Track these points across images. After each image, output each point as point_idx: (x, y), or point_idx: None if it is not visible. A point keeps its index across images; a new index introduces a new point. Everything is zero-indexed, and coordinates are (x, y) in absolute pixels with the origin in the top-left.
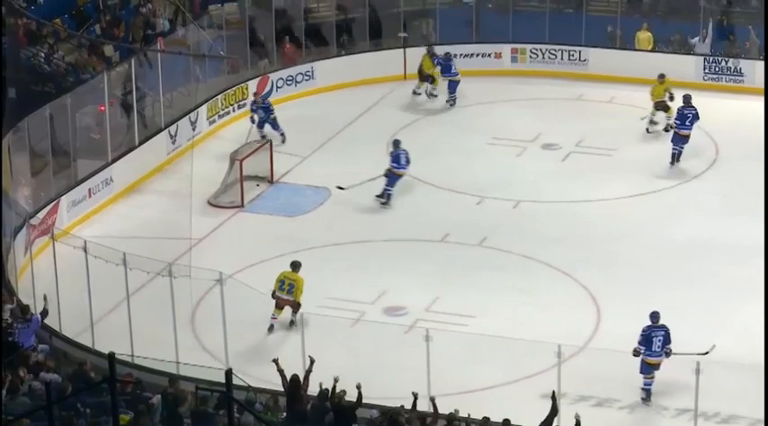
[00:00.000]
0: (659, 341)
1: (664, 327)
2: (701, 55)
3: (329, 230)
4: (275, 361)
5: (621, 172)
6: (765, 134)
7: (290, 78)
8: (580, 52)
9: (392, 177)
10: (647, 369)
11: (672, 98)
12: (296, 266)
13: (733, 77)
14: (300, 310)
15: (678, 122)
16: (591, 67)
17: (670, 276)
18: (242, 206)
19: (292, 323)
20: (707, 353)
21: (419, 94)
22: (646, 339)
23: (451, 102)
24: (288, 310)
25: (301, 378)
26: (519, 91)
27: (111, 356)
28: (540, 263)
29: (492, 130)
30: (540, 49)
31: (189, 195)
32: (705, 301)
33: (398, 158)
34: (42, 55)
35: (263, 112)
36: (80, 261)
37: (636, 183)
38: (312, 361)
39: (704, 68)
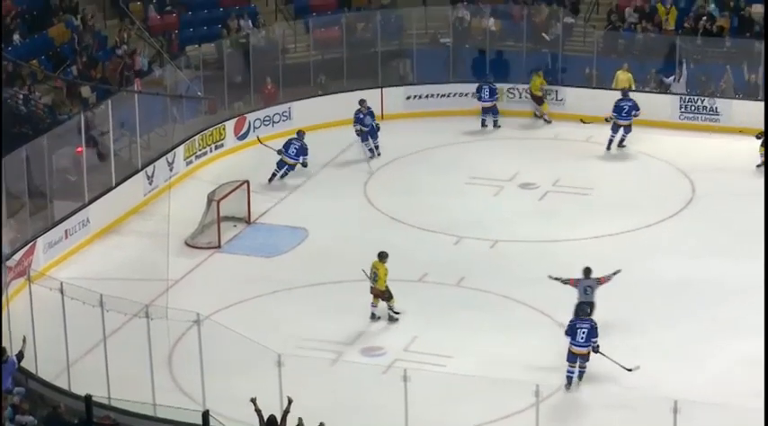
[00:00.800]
0: (583, 333)
1: (590, 321)
2: (677, 94)
3: (306, 270)
4: (253, 401)
5: (599, 211)
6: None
7: (268, 118)
8: (557, 91)
9: (280, 163)
10: (572, 358)
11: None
12: (382, 256)
13: (709, 116)
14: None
15: (615, 114)
16: (567, 107)
17: (648, 316)
18: (219, 246)
19: (391, 318)
20: (631, 370)
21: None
22: (571, 329)
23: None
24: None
25: (279, 419)
26: (496, 130)
27: (87, 398)
28: (517, 303)
29: (469, 170)
30: (518, 89)
31: (166, 236)
32: (683, 341)
33: (288, 146)
34: (21, 96)
35: (371, 118)
36: (56, 302)
37: (613, 223)
38: (290, 402)
39: (680, 108)
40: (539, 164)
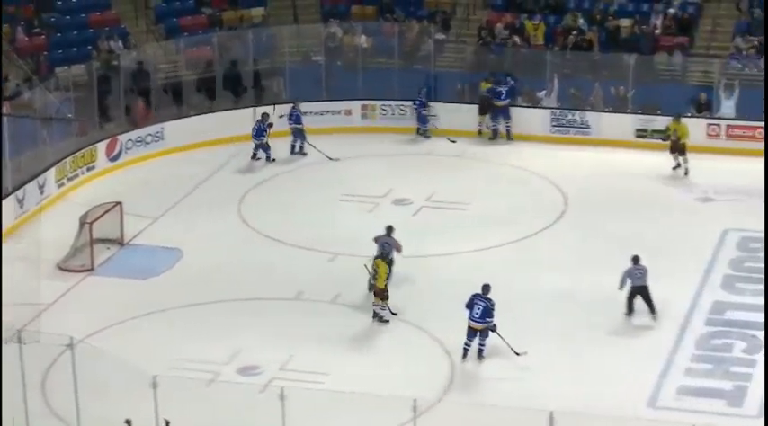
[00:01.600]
0: (479, 309)
1: (488, 300)
2: (548, 108)
3: (182, 291)
4: (128, 422)
5: (473, 225)
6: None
7: (140, 139)
8: (429, 108)
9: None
10: (470, 334)
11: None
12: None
13: (580, 130)
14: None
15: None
16: (441, 123)
17: (524, 328)
18: (92, 269)
19: (377, 316)
20: (519, 355)
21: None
22: (468, 304)
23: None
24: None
25: None
26: (369, 147)
27: None
28: (394, 319)
29: (343, 187)
30: (390, 105)
31: (38, 260)
32: (560, 351)
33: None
34: None
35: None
36: None
37: (488, 236)
38: (167, 423)
39: (551, 121)
40: (412, 179)
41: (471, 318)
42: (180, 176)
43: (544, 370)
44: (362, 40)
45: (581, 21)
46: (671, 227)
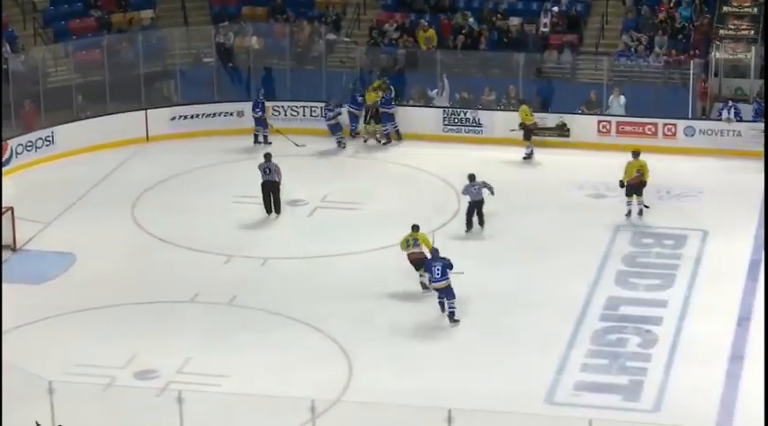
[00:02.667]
0: (438, 269)
1: (443, 259)
2: (440, 107)
3: (75, 295)
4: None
5: (368, 225)
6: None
7: (30, 144)
8: (322, 108)
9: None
10: (439, 294)
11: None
12: (416, 227)
13: (472, 128)
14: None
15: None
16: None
17: (422, 326)
18: None
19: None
20: (459, 274)
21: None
22: (426, 268)
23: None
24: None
25: None
26: (262, 148)
27: None
28: (290, 319)
29: (237, 188)
30: (282, 106)
31: None
32: (456, 349)
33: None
34: None
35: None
36: None
37: (383, 236)
38: None
39: (443, 120)
40: (306, 180)
41: (433, 280)
42: (72, 180)
43: (441, 368)
44: (253, 42)
45: (471, 20)
46: (564, 224)
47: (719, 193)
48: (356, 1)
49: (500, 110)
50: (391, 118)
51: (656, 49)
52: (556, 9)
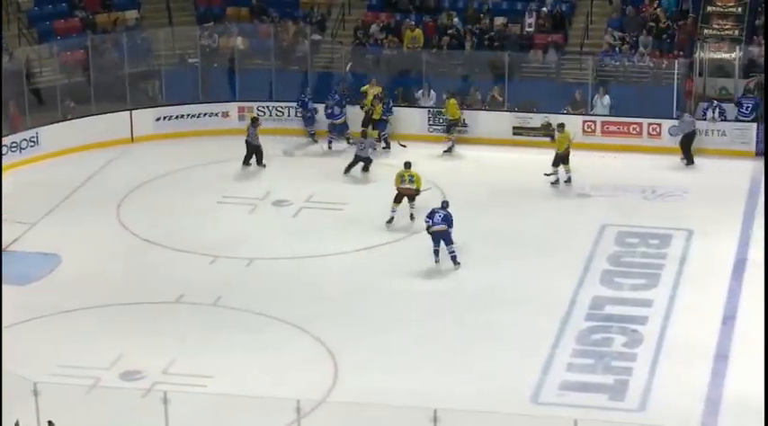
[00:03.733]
0: (439, 216)
1: (447, 211)
2: (425, 107)
3: (61, 297)
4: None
5: (353, 225)
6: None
7: (15, 145)
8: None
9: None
10: (434, 239)
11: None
12: (408, 165)
13: (458, 128)
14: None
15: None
16: (317, 123)
17: (408, 326)
18: None
19: (412, 216)
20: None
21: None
22: (429, 215)
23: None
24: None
25: None
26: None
27: None
28: (275, 320)
29: (222, 189)
30: (268, 107)
31: None
32: (442, 349)
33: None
34: None
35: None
36: None
37: (367, 236)
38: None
39: (428, 120)
40: (291, 180)
41: (434, 224)
42: (56, 181)
43: (426, 369)
44: (238, 42)
45: (456, 20)
46: (549, 224)
47: (704, 193)
48: (341, 1)
49: (485, 110)
50: (386, 125)
51: (641, 49)
52: (545, 9)
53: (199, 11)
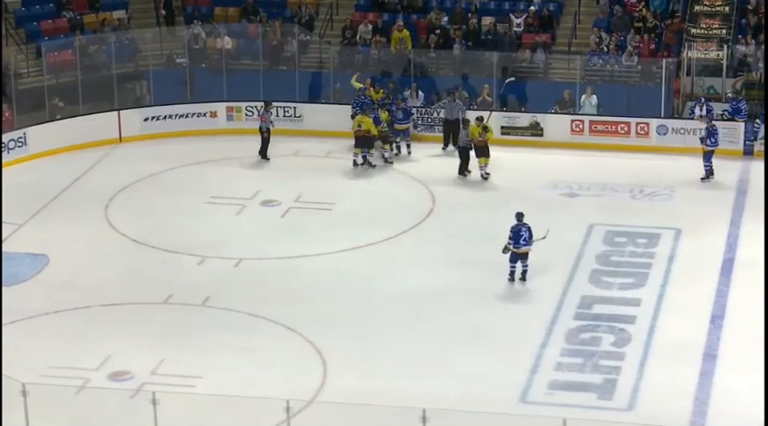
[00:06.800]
0: (525, 233)
1: (527, 224)
2: (414, 107)
3: (48, 297)
4: None
5: (341, 225)
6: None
7: (2, 145)
8: (295, 108)
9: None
10: (513, 258)
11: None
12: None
13: None
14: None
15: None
16: (306, 123)
17: (395, 327)
18: None
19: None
20: (544, 237)
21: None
22: (515, 234)
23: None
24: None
25: None
26: (236, 149)
27: None
28: (264, 320)
29: (210, 189)
30: (256, 107)
31: None
32: (431, 349)
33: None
34: None
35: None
36: None
37: (356, 236)
38: None
39: (417, 120)
40: (280, 180)
41: (523, 244)
42: (44, 182)
43: (416, 368)
44: (226, 42)
45: (444, 19)
46: (538, 223)
47: (692, 192)
48: (329, 1)
49: (474, 109)
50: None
51: (629, 48)
52: (533, 8)
53: (186, 11)
